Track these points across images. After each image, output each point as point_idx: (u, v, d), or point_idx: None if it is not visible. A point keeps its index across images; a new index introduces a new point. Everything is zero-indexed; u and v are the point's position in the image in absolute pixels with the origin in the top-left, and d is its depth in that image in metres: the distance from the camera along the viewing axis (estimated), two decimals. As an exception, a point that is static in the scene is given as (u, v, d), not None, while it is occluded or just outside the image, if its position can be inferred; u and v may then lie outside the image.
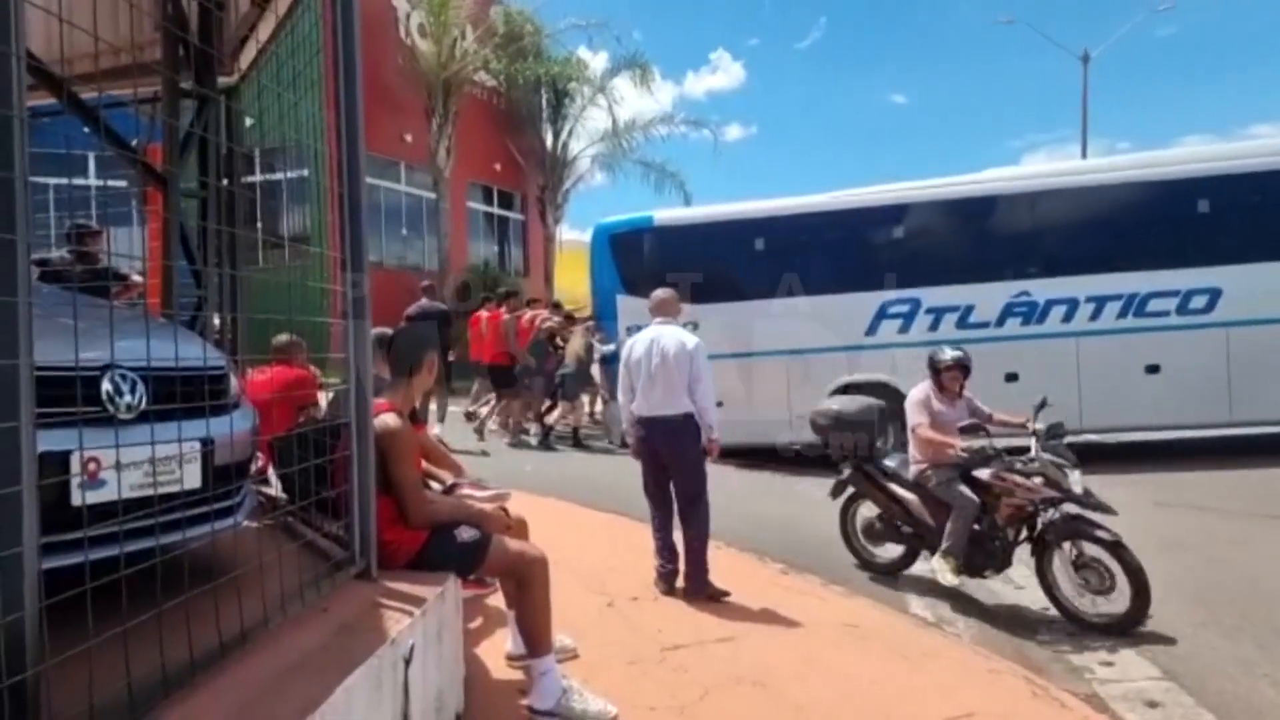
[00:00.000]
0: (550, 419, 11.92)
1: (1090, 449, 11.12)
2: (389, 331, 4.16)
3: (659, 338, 5.34)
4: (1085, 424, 10.00)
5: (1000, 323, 9.97)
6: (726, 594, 5.10)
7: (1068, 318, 9.86)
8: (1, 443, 1.63)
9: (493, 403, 12.12)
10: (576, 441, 11.60)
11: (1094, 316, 9.81)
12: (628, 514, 7.08)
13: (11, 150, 1.61)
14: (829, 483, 9.21)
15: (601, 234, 11.29)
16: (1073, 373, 9.82)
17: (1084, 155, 22.52)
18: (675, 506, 5.34)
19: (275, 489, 3.97)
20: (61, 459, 2.24)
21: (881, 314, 10.21)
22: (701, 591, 5.10)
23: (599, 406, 12.91)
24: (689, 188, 22.92)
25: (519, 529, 3.76)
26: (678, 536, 5.37)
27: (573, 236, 28.02)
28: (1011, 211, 10.26)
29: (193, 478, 2.62)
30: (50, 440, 2.13)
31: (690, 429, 5.18)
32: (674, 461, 5.24)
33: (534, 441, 11.61)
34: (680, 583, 5.25)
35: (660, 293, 5.64)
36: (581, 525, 6.76)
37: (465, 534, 3.31)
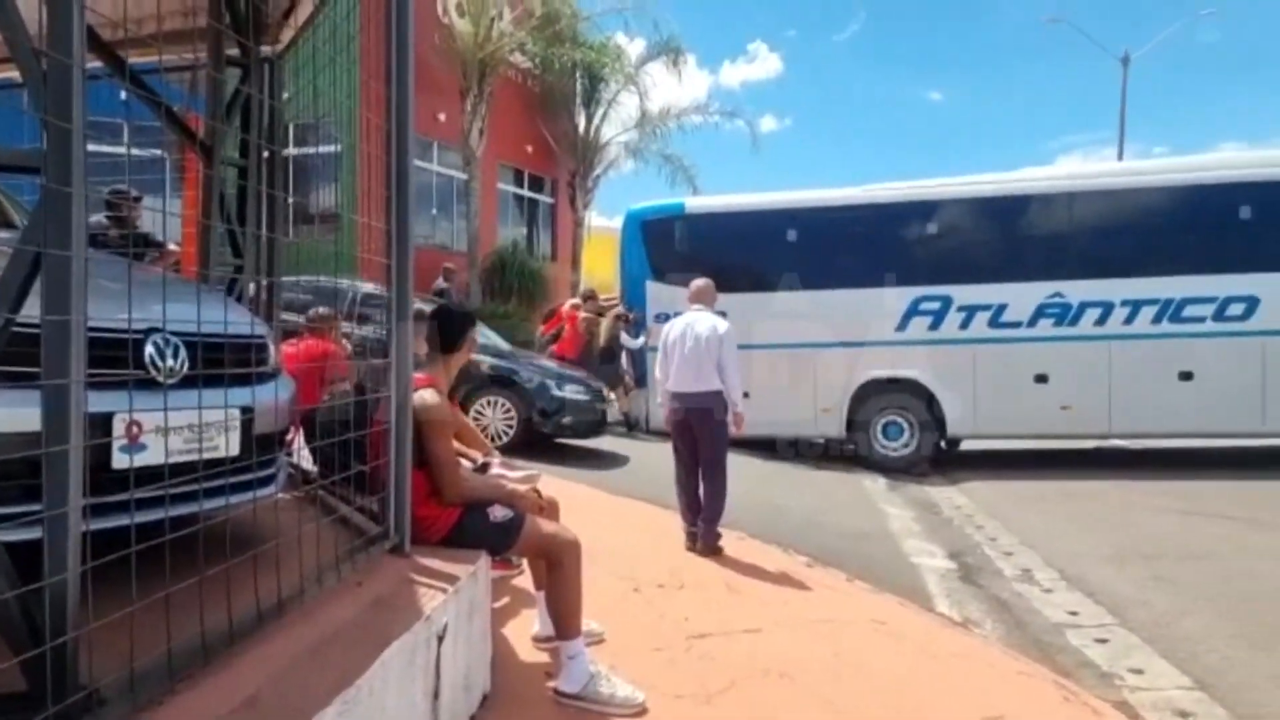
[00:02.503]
0: None
1: (1118, 455, 10.99)
2: (426, 307, 4.13)
3: (694, 323, 5.86)
4: (1114, 429, 9.88)
5: (1032, 323, 9.85)
6: (720, 550, 5.75)
7: (1101, 320, 9.71)
8: (52, 401, 1.60)
9: None
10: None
11: (1128, 320, 9.65)
12: (653, 500, 7.05)
13: (70, 101, 1.56)
14: (851, 477, 9.21)
15: (633, 220, 11.23)
16: (1104, 377, 9.68)
17: (1120, 157, 22.17)
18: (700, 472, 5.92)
19: (304, 461, 3.95)
20: (104, 421, 2.21)
21: (913, 310, 10.12)
22: (710, 544, 5.74)
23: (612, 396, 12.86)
24: (698, 183, 22.75)
25: (551, 510, 3.72)
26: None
27: (600, 223, 27.92)
28: (1046, 211, 10.12)
29: (233, 445, 2.60)
30: (94, 402, 2.10)
31: (717, 404, 5.76)
32: (701, 432, 5.82)
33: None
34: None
35: (699, 281, 6.12)
36: (606, 510, 6.74)
37: (499, 513, 3.28)
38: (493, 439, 8.44)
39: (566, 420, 8.81)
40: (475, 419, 8.61)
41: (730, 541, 5.94)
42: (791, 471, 9.76)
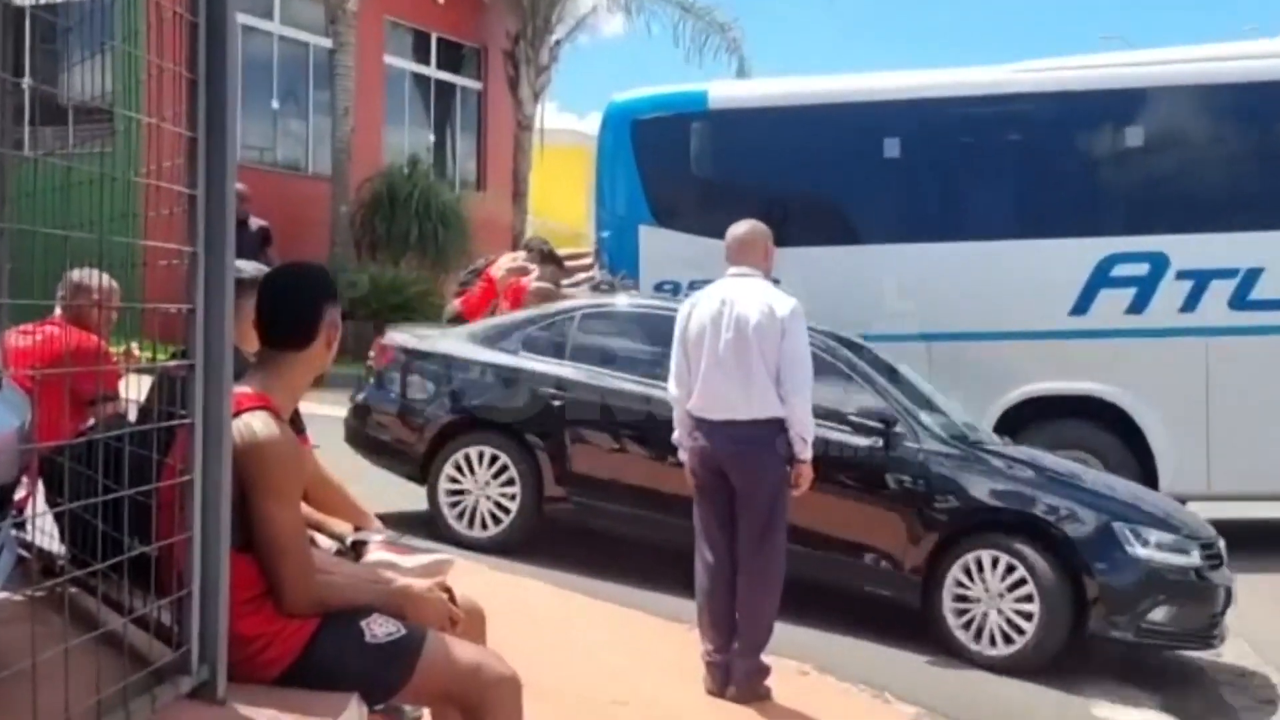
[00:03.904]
0: None
1: None
2: (260, 270, 4.13)
3: (733, 299, 5.85)
4: None
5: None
6: (768, 694, 5.74)
7: None
8: None
9: None
10: None
11: None
12: (645, 608, 7.04)
13: None
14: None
15: (618, 119, 11.30)
16: None
17: None
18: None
19: (49, 536, 3.96)
20: None
21: (1100, 278, 10.17)
22: (751, 685, 5.71)
23: None
24: (748, 52, 22.70)
25: (471, 624, 3.71)
26: None
27: (562, 124, 27.92)
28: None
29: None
30: None
31: (773, 441, 5.78)
32: (745, 485, 5.83)
33: None
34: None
35: (743, 229, 6.14)
36: (571, 621, 6.75)
37: (380, 629, 3.27)
38: (993, 639, 7.01)
39: (1159, 613, 7.12)
40: (957, 596, 7.21)
41: (785, 679, 5.97)
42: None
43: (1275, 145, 10.27)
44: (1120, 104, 10.42)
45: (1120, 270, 10.16)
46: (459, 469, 8.04)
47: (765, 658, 5.83)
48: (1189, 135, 10.46)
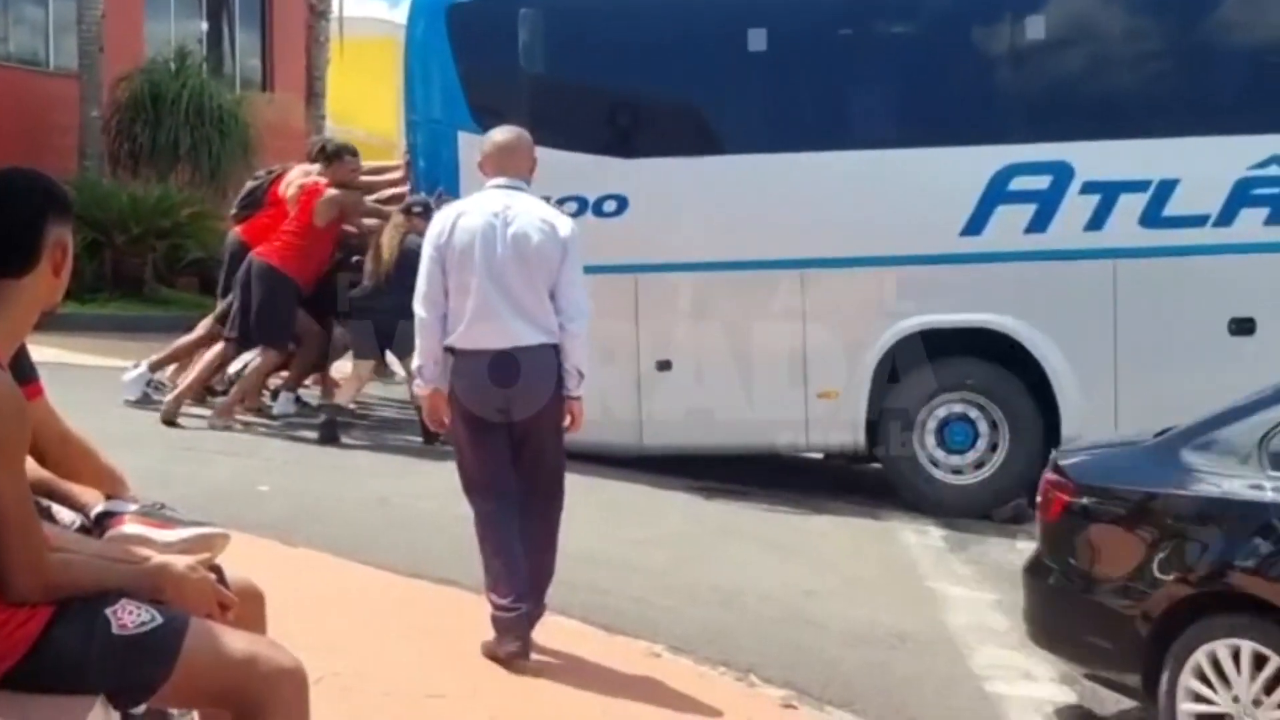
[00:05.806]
0: (341, 394, 11.83)
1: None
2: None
3: (507, 214, 6.03)
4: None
5: (1227, 218, 10.05)
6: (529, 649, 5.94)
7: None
8: None
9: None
10: (330, 433, 11.50)
11: None
12: (456, 581, 7.00)
13: None
14: (875, 527, 9.26)
15: (430, 3, 11.12)
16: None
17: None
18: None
19: None
20: None
21: (996, 193, 10.27)
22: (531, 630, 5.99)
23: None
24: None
25: (247, 609, 3.65)
26: None
27: (368, 12, 27.59)
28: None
29: None
30: None
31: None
32: (536, 419, 6.13)
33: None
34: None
35: (506, 136, 6.35)
36: (370, 603, 6.71)
37: (130, 616, 3.19)
38: None
39: None
40: None
41: (632, 662, 6.03)
42: (758, 519, 9.87)
43: (1194, 39, 10.44)
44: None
45: (1018, 183, 10.25)
46: (1203, 678, 5.51)
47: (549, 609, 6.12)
48: (1096, 27, 10.57)
